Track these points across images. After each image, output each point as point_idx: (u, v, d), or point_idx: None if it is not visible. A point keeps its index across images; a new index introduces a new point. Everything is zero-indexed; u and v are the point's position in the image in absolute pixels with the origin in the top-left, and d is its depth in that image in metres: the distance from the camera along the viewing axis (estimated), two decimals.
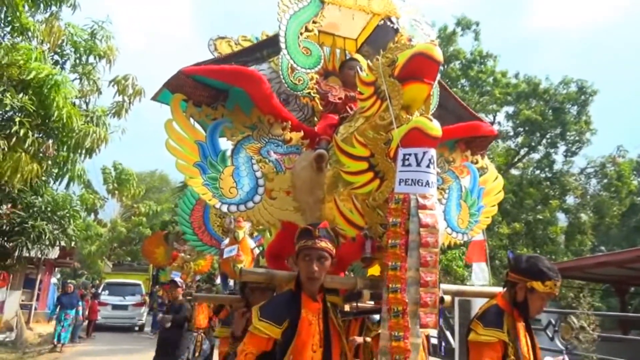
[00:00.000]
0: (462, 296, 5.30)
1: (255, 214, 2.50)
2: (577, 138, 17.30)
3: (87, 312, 14.59)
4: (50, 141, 6.25)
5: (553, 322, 6.65)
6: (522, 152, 18.22)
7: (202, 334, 7.49)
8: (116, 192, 9.46)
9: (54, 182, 7.70)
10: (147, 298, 17.80)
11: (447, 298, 2.30)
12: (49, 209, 7.98)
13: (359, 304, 2.42)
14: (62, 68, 7.09)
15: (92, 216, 10.99)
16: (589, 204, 18.00)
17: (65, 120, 5.94)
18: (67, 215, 8.18)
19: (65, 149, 6.45)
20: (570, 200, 18.27)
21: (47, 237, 7.89)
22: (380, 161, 2.10)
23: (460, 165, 2.91)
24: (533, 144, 17.67)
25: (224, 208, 2.43)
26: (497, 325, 2.15)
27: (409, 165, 1.92)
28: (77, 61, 7.30)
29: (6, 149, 5.67)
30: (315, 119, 3.04)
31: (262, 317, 2.05)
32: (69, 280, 15.38)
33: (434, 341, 5.79)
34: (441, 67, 2.13)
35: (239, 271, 2.48)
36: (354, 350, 2.77)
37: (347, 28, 3.23)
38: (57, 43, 6.80)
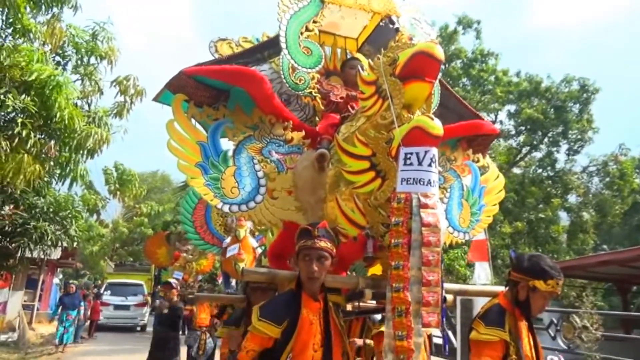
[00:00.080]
0: (464, 295, 5.30)
1: (257, 214, 2.50)
2: (579, 136, 17.28)
3: (89, 313, 14.62)
4: (52, 142, 6.26)
5: (555, 321, 6.66)
6: (524, 150, 18.20)
7: (206, 332, 7.51)
8: (118, 192, 9.47)
9: (56, 183, 7.72)
10: (149, 298, 17.83)
11: (450, 297, 2.30)
12: (51, 209, 7.99)
13: (360, 304, 2.42)
14: (64, 69, 7.10)
15: (94, 217, 11.00)
16: (591, 202, 17.97)
17: (67, 121, 5.95)
18: (69, 216, 8.19)
19: (67, 150, 6.46)
20: (572, 199, 18.26)
21: (49, 237, 7.90)
22: (381, 160, 2.10)
23: (462, 164, 2.91)
24: (535, 142, 17.65)
25: (226, 208, 2.44)
26: (498, 325, 2.15)
27: (411, 164, 1.92)
28: (79, 62, 7.31)
29: (8, 150, 5.68)
30: (317, 118, 3.05)
31: (262, 317, 2.06)
32: (71, 281, 15.40)
33: (439, 341, 5.79)
34: (442, 66, 2.13)
35: (241, 271, 2.48)
36: (355, 351, 2.77)
37: (347, 27, 3.24)
38: (58, 44, 6.81)
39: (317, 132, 2.79)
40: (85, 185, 8.18)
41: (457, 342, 7.24)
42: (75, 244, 9.54)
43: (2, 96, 5.69)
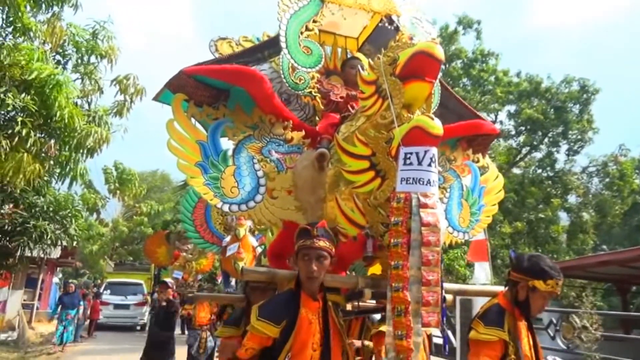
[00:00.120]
0: (463, 295, 5.30)
1: (257, 214, 2.50)
2: (579, 137, 17.29)
3: (88, 312, 14.62)
4: (52, 141, 6.26)
5: (555, 321, 6.66)
6: (524, 151, 18.21)
7: (207, 331, 7.51)
8: (118, 191, 9.47)
9: (56, 182, 7.72)
10: (148, 297, 17.83)
11: (449, 297, 2.30)
12: (50, 208, 8.00)
13: (360, 303, 2.42)
14: (64, 68, 7.10)
15: (94, 216, 11.01)
16: (591, 202, 17.98)
17: (67, 120, 5.95)
18: (69, 215, 8.19)
19: (67, 149, 6.46)
20: (572, 199, 18.26)
21: (48, 236, 7.90)
22: (381, 160, 2.10)
23: (462, 164, 2.90)
24: (535, 142, 17.65)
25: (226, 207, 2.44)
26: (497, 325, 2.15)
27: (411, 164, 1.92)
28: (79, 61, 7.31)
29: (8, 149, 5.68)
30: (317, 118, 3.05)
31: (260, 317, 2.07)
32: (70, 280, 15.41)
33: (439, 341, 5.79)
34: (443, 66, 2.13)
35: (241, 270, 2.48)
36: (354, 352, 2.77)
37: (348, 27, 3.24)
38: (58, 43, 6.81)
39: (317, 132, 2.79)
40: (85, 185, 8.18)
41: (456, 342, 7.24)
42: (74, 243, 9.54)
43: (2, 95, 5.68)
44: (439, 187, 2.40)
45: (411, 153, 1.93)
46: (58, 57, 7.23)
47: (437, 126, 1.94)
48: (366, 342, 2.96)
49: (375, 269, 2.56)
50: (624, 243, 18.89)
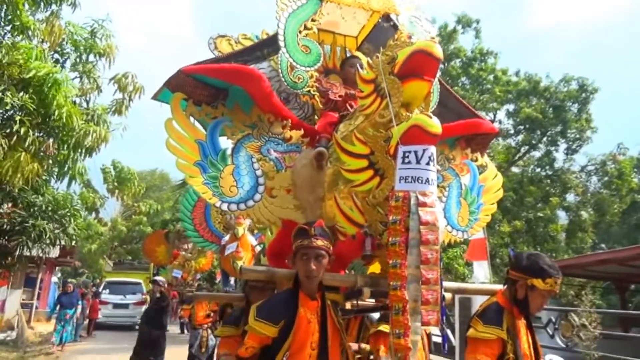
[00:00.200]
0: (462, 294, 5.29)
1: (256, 213, 2.50)
2: (577, 136, 17.30)
3: (87, 311, 14.61)
4: (51, 140, 6.25)
5: (553, 319, 6.67)
6: (523, 150, 18.22)
7: (208, 330, 7.51)
8: (116, 191, 9.47)
9: (55, 182, 7.72)
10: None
11: (448, 296, 2.30)
12: (49, 208, 7.99)
13: (359, 302, 2.42)
14: (63, 67, 7.10)
15: (93, 215, 11.00)
16: (590, 201, 18.00)
17: (65, 119, 5.95)
18: (68, 214, 8.19)
19: (65, 148, 6.45)
20: (570, 198, 18.28)
21: (47, 236, 7.90)
22: (380, 159, 2.10)
23: (460, 163, 2.90)
24: (534, 141, 17.66)
25: (224, 207, 2.43)
26: (496, 323, 2.15)
27: (409, 162, 1.92)
28: (77, 60, 7.31)
29: (7, 148, 5.68)
30: (316, 117, 3.04)
31: (258, 317, 2.07)
32: (69, 280, 15.42)
33: (438, 340, 5.79)
34: (442, 65, 2.13)
35: (239, 269, 2.47)
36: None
37: (347, 26, 3.23)
38: (57, 42, 6.80)
39: (315, 131, 2.79)
40: (84, 184, 8.18)
41: (455, 341, 7.25)
42: (73, 242, 9.53)
43: (0, 94, 5.67)
44: (438, 185, 2.40)
45: (410, 152, 1.93)
46: (56, 55, 7.23)
47: (435, 125, 1.94)
48: (363, 345, 2.96)
49: (375, 268, 2.56)
50: (623, 242, 18.93)
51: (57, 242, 8.64)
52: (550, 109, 17.11)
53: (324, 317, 2.14)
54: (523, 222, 15.80)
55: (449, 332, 7.51)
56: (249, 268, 2.66)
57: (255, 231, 5.31)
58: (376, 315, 3.12)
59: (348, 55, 3.27)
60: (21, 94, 5.80)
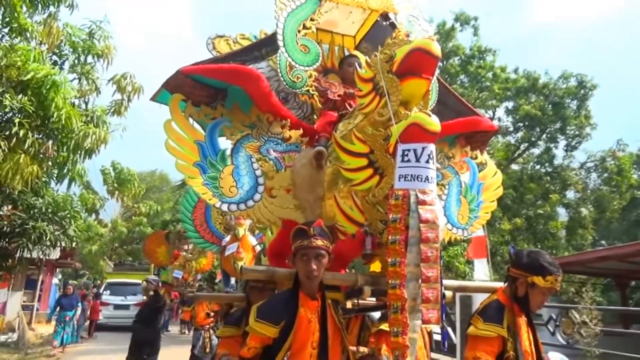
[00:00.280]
0: (463, 292, 5.30)
1: (256, 213, 2.50)
2: (577, 132, 17.29)
3: (88, 312, 14.61)
4: (50, 142, 6.25)
5: (554, 317, 6.68)
6: (522, 147, 18.21)
7: (209, 331, 7.50)
8: (116, 192, 9.46)
9: (55, 184, 7.72)
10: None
11: (449, 294, 2.30)
12: (49, 210, 7.98)
13: (360, 301, 2.42)
14: (61, 68, 7.09)
15: (93, 216, 10.99)
16: (590, 198, 18.00)
17: (64, 121, 5.94)
18: (68, 216, 8.18)
19: (65, 150, 6.45)
20: (570, 194, 18.28)
21: (48, 238, 7.89)
22: (379, 157, 2.10)
23: (460, 161, 2.91)
24: (533, 139, 17.66)
25: (224, 207, 2.43)
26: (497, 321, 2.15)
27: (408, 161, 1.92)
28: (76, 61, 7.30)
29: (6, 150, 5.68)
30: (315, 116, 3.04)
31: (258, 318, 2.08)
32: (70, 281, 15.39)
33: (438, 337, 5.79)
34: (440, 63, 2.13)
35: (240, 269, 2.47)
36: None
37: (345, 25, 3.23)
38: (55, 43, 6.80)
39: (315, 130, 2.79)
40: (84, 185, 8.17)
41: (456, 339, 7.26)
42: (74, 244, 9.53)
43: None
44: (438, 183, 2.40)
45: (409, 150, 1.92)
46: (55, 57, 7.22)
47: (434, 123, 1.94)
48: (362, 349, 2.96)
49: (376, 267, 2.56)
50: (623, 238, 18.92)
51: (58, 243, 8.63)
52: (550, 106, 17.10)
53: (325, 316, 2.14)
54: (523, 220, 15.81)
55: (449, 330, 7.52)
56: (250, 268, 2.66)
57: (256, 231, 5.31)
58: (377, 315, 3.12)
59: (346, 54, 3.27)
60: (20, 96, 5.80)
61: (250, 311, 2.19)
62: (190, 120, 2.56)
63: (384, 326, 2.77)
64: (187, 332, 14.07)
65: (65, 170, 6.81)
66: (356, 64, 2.83)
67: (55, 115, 5.84)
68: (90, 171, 7.48)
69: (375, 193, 2.10)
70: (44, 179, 7.31)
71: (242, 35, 3.20)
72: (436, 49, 1.99)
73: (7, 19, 6.25)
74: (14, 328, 13.00)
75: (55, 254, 12.63)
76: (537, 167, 18.25)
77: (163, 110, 2.57)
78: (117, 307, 16.40)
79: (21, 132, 5.68)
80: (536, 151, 18.30)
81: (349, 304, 2.54)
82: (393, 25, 3.01)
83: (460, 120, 2.91)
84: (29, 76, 5.67)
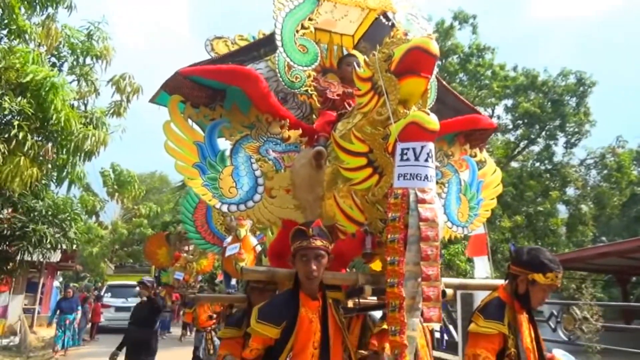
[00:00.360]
0: (464, 289, 5.31)
1: (256, 213, 2.50)
2: (576, 130, 17.27)
3: (90, 315, 14.61)
4: (50, 144, 6.26)
5: (555, 313, 6.68)
6: (522, 144, 18.20)
7: (211, 332, 7.49)
8: (116, 193, 9.46)
9: (55, 186, 7.72)
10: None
11: (450, 292, 2.30)
12: (49, 212, 7.98)
13: (360, 300, 2.42)
14: (60, 70, 7.09)
15: (93, 218, 10.99)
16: (590, 195, 17.99)
17: (63, 123, 5.94)
18: (68, 218, 8.18)
19: (64, 152, 6.45)
20: (570, 191, 18.27)
21: (48, 240, 7.89)
22: (378, 156, 2.10)
23: (459, 159, 2.91)
24: (532, 136, 17.65)
25: (224, 208, 2.43)
26: (497, 318, 2.16)
27: (407, 159, 1.92)
28: (75, 63, 7.31)
29: (6, 153, 5.68)
30: (314, 116, 3.04)
31: (260, 319, 2.09)
32: (71, 284, 15.40)
33: (436, 335, 5.80)
34: (439, 62, 2.13)
35: (240, 270, 2.48)
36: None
37: (343, 24, 3.23)
38: (54, 45, 6.80)
39: (314, 130, 2.79)
40: (83, 187, 8.17)
41: (458, 337, 7.26)
42: (74, 246, 9.53)
43: None
44: (437, 182, 2.40)
45: (408, 149, 1.93)
46: (53, 59, 7.22)
47: (433, 121, 1.94)
48: (363, 352, 2.95)
49: (376, 266, 2.56)
50: (623, 234, 18.94)
51: (58, 246, 8.63)
52: (549, 103, 17.09)
53: (326, 316, 2.15)
54: (523, 217, 15.80)
55: (451, 328, 7.53)
56: (250, 269, 2.66)
57: (257, 232, 5.31)
58: (378, 315, 3.12)
59: (345, 53, 3.27)
60: (19, 98, 5.80)
61: (251, 312, 2.19)
62: (189, 121, 2.56)
63: (386, 325, 2.77)
64: (189, 333, 14.06)
65: (64, 173, 6.81)
66: (355, 63, 2.83)
67: (54, 117, 5.84)
68: (90, 173, 7.48)
69: (375, 192, 2.10)
70: (43, 182, 7.31)
71: (240, 36, 3.20)
72: (434, 47, 1.99)
73: (6, 21, 6.25)
74: (15, 331, 12.99)
75: (55, 257, 12.62)
76: (537, 164, 18.23)
77: (162, 112, 2.57)
78: (118, 309, 16.39)
79: (20, 135, 5.68)
80: (536, 148, 18.29)
81: (350, 303, 2.54)
82: (392, 24, 3.01)
83: (459, 119, 2.91)
84: (28, 78, 5.67)
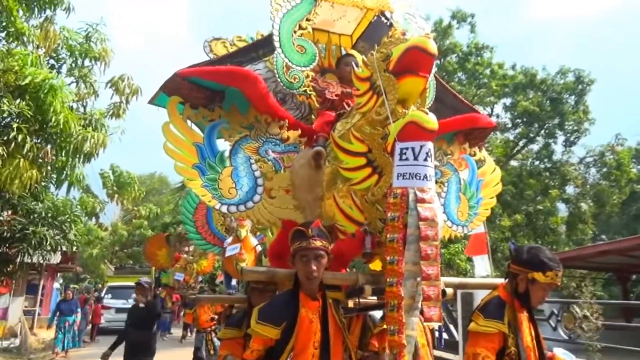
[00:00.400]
0: (464, 289, 5.31)
1: (256, 214, 2.50)
2: (575, 128, 17.28)
3: (90, 316, 14.60)
4: (49, 146, 6.26)
5: (556, 312, 6.68)
6: (521, 143, 18.20)
7: (211, 333, 7.49)
8: (116, 195, 9.46)
9: (54, 188, 7.72)
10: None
11: (450, 291, 2.31)
12: (49, 214, 7.98)
13: (360, 300, 2.42)
14: (58, 72, 7.09)
15: (93, 220, 10.99)
16: (589, 193, 18.00)
17: (62, 125, 5.95)
18: (68, 220, 8.19)
19: (63, 154, 6.45)
20: (570, 190, 18.27)
21: (48, 242, 7.89)
22: (377, 156, 2.10)
23: (459, 158, 2.91)
24: (531, 135, 17.66)
25: (224, 209, 2.44)
26: (497, 317, 2.16)
27: (406, 159, 1.92)
28: (73, 65, 7.31)
29: (5, 155, 5.68)
30: (313, 116, 3.04)
31: (260, 320, 2.09)
32: (71, 285, 15.40)
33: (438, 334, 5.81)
34: (438, 61, 2.13)
35: (240, 270, 2.48)
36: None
37: (342, 24, 3.23)
38: (52, 47, 6.80)
39: (313, 130, 2.79)
40: (83, 189, 8.17)
41: (458, 336, 7.26)
42: (74, 248, 9.53)
43: None
44: (437, 181, 2.40)
45: (407, 148, 1.93)
46: (52, 61, 7.22)
47: (431, 120, 1.94)
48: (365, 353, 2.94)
49: (376, 266, 2.56)
50: (623, 232, 18.95)
51: (58, 248, 8.63)
52: (548, 101, 17.10)
53: (326, 316, 2.15)
54: (523, 216, 15.80)
55: (451, 327, 7.53)
56: (250, 269, 2.67)
57: (258, 233, 5.31)
58: (379, 315, 3.12)
59: (343, 53, 3.27)
60: (18, 100, 5.80)
61: (251, 312, 2.19)
62: (189, 122, 2.56)
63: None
64: (189, 334, 14.06)
65: (64, 175, 6.81)
66: (353, 63, 2.83)
67: (53, 119, 5.84)
68: (89, 175, 7.49)
69: (374, 192, 2.10)
70: (43, 184, 7.32)
71: (238, 37, 3.20)
72: (432, 46, 1.99)
73: (4, 24, 6.25)
74: (16, 333, 12.99)
75: (55, 259, 12.61)
76: (536, 163, 18.24)
77: (161, 113, 2.57)
78: (118, 310, 16.37)
79: (20, 137, 5.68)
80: (535, 147, 18.29)
81: (350, 303, 2.54)
82: (390, 24, 3.01)
83: (458, 118, 2.91)
84: (26, 81, 5.67)
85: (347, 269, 2.87)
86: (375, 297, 2.50)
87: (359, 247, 2.25)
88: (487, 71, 17.48)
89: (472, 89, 17.08)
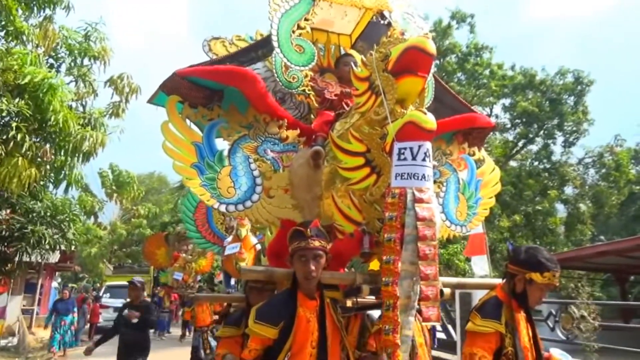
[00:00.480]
0: (462, 289, 5.31)
1: (254, 213, 2.50)
2: (574, 128, 17.32)
3: (88, 316, 14.58)
4: (48, 146, 6.26)
5: (554, 312, 6.69)
6: (520, 143, 18.24)
7: (208, 332, 7.48)
8: (115, 194, 9.46)
9: (53, 187, 7.71)
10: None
11: (447, 291, 2.31)
12: (48, 213, 7.98)
13: (359, 299, 2.43)
14: (58, 71, 7.09)
15: (92, 219, 10.99)
16: (588, 194, 18.03)
17: (61, 125, 5.94)
18: (67, 219, 8.19)
19: (62, 153, 6.45)
20: (569, 190, 18.31)
21: (47, 241, 7.89)
22: (376, 156, 2.11)
23: (458, 158, 2.91)
24: (531, 135, 17.68)
25: (223, 208, 2.44)
26: (494, 317, 2.16)
27: (405, 159, 1.92)
28: (72, 64, 7.31)
29: (4, 154, 5.67)
30: (312, 116, 3.05)
31: (257, 320, 2.09)
32: (70, 284, 15.38)
33: (439, 335, 5.80)
34: (437, 61, 2.14)
35: (239, 269, 2.48)
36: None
37: (341, 24, 3.24)
38: (51, 46, 6.80)
39: (312, 130, 2.79)
40: (82, 188, 8.17)
41: (456, 336, 7.26)
42: (73, 247, 9.53)
43: None
44: (435, 181, 2.40)
45: (405, 148, 1.93)
46: (51, 60, 7.22)
47: (430, 121, 1.94)
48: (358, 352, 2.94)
49: (375, 265, 2.56)
50: (622, 233, 18.97)
51: (57, 247, 8.63)
52: (547, 102, 17.13)
53: (323, 316, 2.15)
54: (522, 216, 15.83)
55: (449, 327, 7.53)
56: (248, 268, 2.67)
57: (257, 232, 5.31)
58: (377, 315, 3.13)
59: (342, 53, 3.28)
60: (17, 99, 5.80)
61: (249, 312, 2.19)
62: (187, 121, 2.56)
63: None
64: (188, 333, 14.07)
65: (63, 174, 6.81)
66: (352, 63, 2.83)
67: (52, 118, 5.84)
68: (88, 174, 7.49)
69: (373, 192, 2.10)
70: (42, 183, 7.31)
71: (238, 37, 3.21)
72: (431, 46, 1.99)
73: (3, 23, 6.24)
74: (14, 332, 12.98)
75: (54, 258, 12.60)
76: (535, 163, 18.27)
77: (160, 112, 2.57)
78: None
79: (19, 136, 5.68)
80: (534, 147, 18.33)
81: (348, 303, 2.55)
82: (388, 24, 3.02)
83: (457, 118, 2.91)
84: (25, 80, 5.67)
85: (346, 269, 2.88)
86: (373, 297, 2.51)
87: (358, 246, 2.25)
88: (487, 71, 17.51)
89: (472, 89, 17.10)
